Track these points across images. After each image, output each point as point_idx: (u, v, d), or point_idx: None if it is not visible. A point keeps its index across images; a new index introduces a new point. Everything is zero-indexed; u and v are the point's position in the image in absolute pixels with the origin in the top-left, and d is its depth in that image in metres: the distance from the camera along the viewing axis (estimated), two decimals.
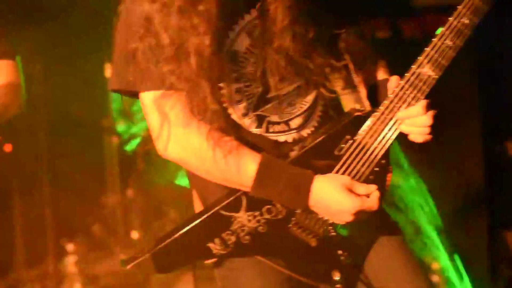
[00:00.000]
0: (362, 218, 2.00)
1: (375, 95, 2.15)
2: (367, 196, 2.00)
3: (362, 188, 2.00)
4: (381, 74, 2.21)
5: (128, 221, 5.74)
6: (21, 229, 5.19)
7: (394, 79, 2.07)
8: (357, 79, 2.09)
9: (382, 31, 4.97)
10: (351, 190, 1.98)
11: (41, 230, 5.25)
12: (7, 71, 2.74)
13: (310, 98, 2.09)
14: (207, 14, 1.90)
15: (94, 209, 5.76)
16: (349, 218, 1.98)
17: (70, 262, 5.10)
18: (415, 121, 2.01)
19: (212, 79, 1.93)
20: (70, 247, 5.17)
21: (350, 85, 2.09)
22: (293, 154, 2.04)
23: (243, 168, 1.97)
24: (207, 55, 1.90)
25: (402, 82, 2.01)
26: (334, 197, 1.97)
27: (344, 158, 2.02)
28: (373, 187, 2.01)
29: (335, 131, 2.03)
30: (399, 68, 2.12)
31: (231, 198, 2.00)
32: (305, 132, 2.09)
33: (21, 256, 5.16)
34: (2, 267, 5.05)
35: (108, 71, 5.61)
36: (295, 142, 2.07)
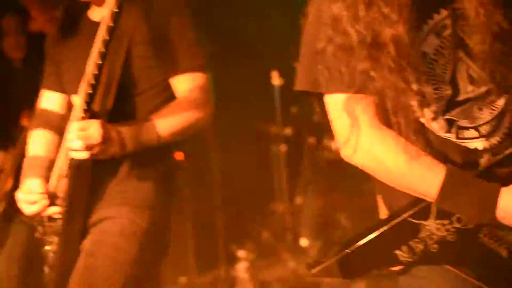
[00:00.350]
0: None
1: None
2: None
3: None
4: None
5: (297, 228, 5.77)
6: (193, 235, 5.31)
7: None
8: None
9: None
10: None
11: (212, 236, 5.36)
12: (202, 84, 2.77)
13: (500, 103, 2.01)
14: (397, 2, 1.86)
15: (263, 216, 5.84)
16: None
17: (241, 268, 5.17)
18: None
19: (407, 78, 1.89)
20: (241, 253, 5.26)
21: None
22: (483, 162, 1.98)
23: (428, 179, 1.92)
24: (405, 44, 1.86)
25: None
26: None
27: None
28: None
29: None
30: None
31: (421, 206, 1.95)
32: (495, 139, 2.01)
33: (193, 262, 5.28)
34: (175, 272, 5.18)
35: (275, 79, 5.67)
36: (485, 150, 2.00)
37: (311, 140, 5.79)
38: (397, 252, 1.96)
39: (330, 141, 5.40)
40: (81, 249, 2.72)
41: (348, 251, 1.97)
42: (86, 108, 2.56)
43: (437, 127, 1.99)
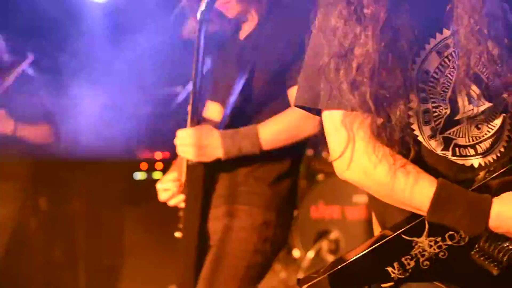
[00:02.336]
0: None
1: None
2: None
3: None
4: None
5: (290, 239, 5.76)
6: None
7: None
8: None
9: None
10: None
11: None
12: None
13: (498, 121, 2.02)
14: (374, 20, 1.86)
15: None
16: None
17: None
18: None
19: (392, 97, 1.89)
20: None
21: None
22: (479, 179, 1.98)
23: (419, 193, 1.93)
24: (372, 63, 1.86)
25: None
26: None
27: None
28: None
29: None
30: None
31: (414, 222, 1.95)
32: (491, 157, 2.02)
33: None
34: (166, 281, 5.17)
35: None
36: (481, 167, 2.01)
37: (308, 152, 5.80)
38: (389, 268, 1.96)
39: (327, 154, 5.42)
40: (211, 240, 3.06)
41: (339, 267, 1.96)
42: (193, 115, 2.92)
43: (435, 145, 2.00)
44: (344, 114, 1.96)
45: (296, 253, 5.70)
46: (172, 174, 3.16)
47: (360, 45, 1.87)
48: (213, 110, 3.21)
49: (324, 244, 5.53)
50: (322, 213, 5.70)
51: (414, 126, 1.98)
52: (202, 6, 2.83)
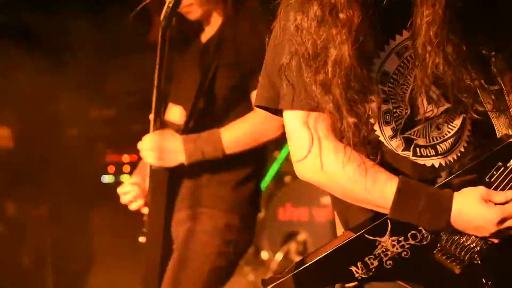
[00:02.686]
0: (509, 228, 1.94)
1: None
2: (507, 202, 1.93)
3: (500, 196, 1.94)
4: None
5: (258, 241, 5.77)
6: None
7: None
8: (509, 103, 2.03)
9: None
10: (490, 201, 1.93)
11: None
12: None
13: (457, 122, 2.04)
14: (348, 24, 1.87)
15: None
16: (493, 228, 1.92)
17: None
18: None
19: (359, 98, 1.91)
20: None
21: (502, 110, 2.03)
22: (440, 179, 2.00)
23: (381, 190, 1.95)
24: (348, 66, 1.87)
25: None
26: (474, 210, 1.92)
27: (495, 185, 1.96)
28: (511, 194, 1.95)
29: (486, 157, 1.98)
30: None
31: (377, 222, 1.97)
32: (451, 158, 2.04)
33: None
34: None
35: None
36: (442, 167, 2.03)
37: (275, 154, 5.81)
38: (352, 268, 1.97)
39: None
40: (174, 244, 3.08)
41: (303, 267, 1.97)
42: (156, 120, 2.94)
43: (395, 145, 2.01)
44: (307, 114, 1.96)
45: (264, 255, 5.70)
46: (133, 179, 3.18)
47: (335, 47, 1.88)
48: (175, 113, 3.20)
49: (292, 246, 5.54)
50: (290, 215, 5.71)
51: (376, 127, 1.99)
52: (166, 10, 2.83)
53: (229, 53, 3.00)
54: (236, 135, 2.96)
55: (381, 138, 2.00)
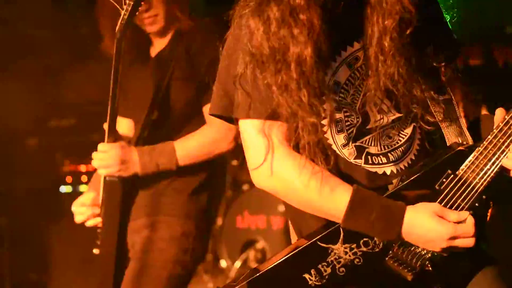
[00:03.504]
0: (460, 246, 1.96)
1: (478, 128, 2.12)
2: (460, 223, 1.96)
3: (453, 215, 1.97)
4: (483, 108, 2.19)
5: (217, 249, 5.77)
6: None
7: (499, 112, 2.03)
8: (459, 112, 2.07)
9: (475, 58, 4.92)
10: (442, 217, 1.96)
11: None
12: None
13: (408, 130, 2.08)
14: (308, 26, 1.89)
15: None
16: (444, 244, 1.95)
17: None
18: None
19: (317, 99, 1.93)
20: None
21: (452, 119, 2.07)
22: (391, 186, 2.03)
23: (335, 200, 1.97)
24: (308, 66, 1.90)
25: (507, 117, 1.97)
26: (427, 225, 1.94)
27: (445, 192, 1.99)
28: (465, 214, 1.97)
29: (436, 165, 2.01)
30: (495, 96, 2.11)
31: (329, 230, 1.99)
32: (402, 165, 2.07)
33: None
34: None
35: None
36: (393, 174, 2.06)
37: (233, 162, 5.81)
38: (306, 275, 1.99)
39: None
40: (130, 253, 3.07)
41: (257, 275, 1.99)
42: (110, 131, 2.91)
43: (347, 153, 2.04)
44: (263, 123, 1.98)
45: (223, 263, 5.70)
46: (86, 196, 3.12)
47: (296, 45, 1.90)
48: (124, 126, 3.20)
49: (251, 254, 5.54)
50: (248, 223, 5.71)
51: (328, 135, 2.02)
52: (120, 23, 2.81)
53: (183, 66, 3.01)
54: (189, 148, 2.99)
55: (334, 147, 2.03)
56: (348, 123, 2.03)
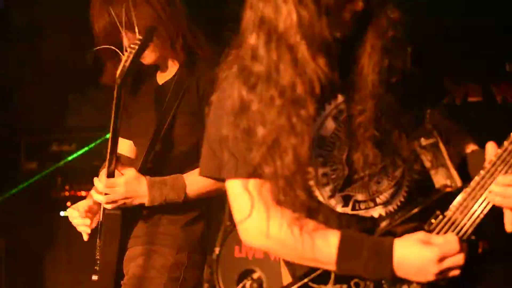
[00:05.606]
0: (451, 265, 1.96)
1: (466, 168, 2.15)
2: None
3: (439, 239, 1.98)
4: (470, 146, 2.23)
5: (214, 278, 5.76)
6: None
7: (490, 147, 2.04)
8: (446, 154, 2.09)
9: (474, 95, 4.95)
10: (428, 242, 1.97)
11: None
12: None
13: (397, 174, 2.09)
14: (307, 116, 1.90)
15: None
16: (435, 268, 1.95)
17: None
18: (508, 192, 1.98)
19: (301, 171, 1.93)
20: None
21: (439, 161, 2.08)
22: (380, 229, 2.05)
23: (325, 248, 1.98)
24: (303, 155, 1.90)
25: (494, 159, 2.00)
26: (415, 251, 1.95)
27: (434, 233, 2.01)
28: (450, 235, 1.98)
29: (425, 207, 2.03)
30: (491, 132, 2.13)
31: (320, 271, 2.01)
32: (391, 207, 2.10)
33: None
34: None
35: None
36: (382, 217, 2.08)
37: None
38: None
39: None
40: (124, 279, 3.07)
41: None
42: (111, 159, 2.89)
43: (334, 203, 2.06)
44: (247, 181, 2.01)
45: None
46: (85, 203, 3.09)
47: (265, 120, 1.91)
48: (125, 147, 3.23)
49: (248, 284, 5.53)
50: (245, 253, 5.71)
51: (314, 188, 2.04)
52: (121, 69, 2.83)
53: (190, 102, 3.03)
54: (199, 185, 2.99)
55: (320, 198, 2.05)
56: (334, 176, 2.05)
